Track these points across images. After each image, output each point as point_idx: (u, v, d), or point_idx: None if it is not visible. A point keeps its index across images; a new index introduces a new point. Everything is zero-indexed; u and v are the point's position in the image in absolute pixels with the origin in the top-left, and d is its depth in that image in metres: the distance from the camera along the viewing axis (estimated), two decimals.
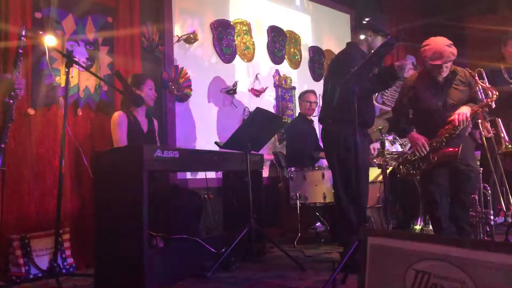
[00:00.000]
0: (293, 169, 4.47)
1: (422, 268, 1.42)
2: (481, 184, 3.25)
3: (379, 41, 3.29)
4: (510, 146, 3.87)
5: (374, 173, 4.40)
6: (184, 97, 4.44)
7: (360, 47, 3.33)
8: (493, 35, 5.58)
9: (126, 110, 3.39)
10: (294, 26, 5.77)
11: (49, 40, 3.20)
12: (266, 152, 4.82)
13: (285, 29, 5.63)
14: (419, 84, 3.35)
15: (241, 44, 5.11)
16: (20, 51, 2.68)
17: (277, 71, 5.47)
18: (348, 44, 3.51)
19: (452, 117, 3.18)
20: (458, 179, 3.23)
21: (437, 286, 1.37)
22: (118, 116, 3.33)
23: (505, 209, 4.09)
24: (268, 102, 5.28)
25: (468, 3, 6.51)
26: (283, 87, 5.49)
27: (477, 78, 3.36)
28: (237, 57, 5.06)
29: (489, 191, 3.27)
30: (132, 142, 3.29)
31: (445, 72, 3.24)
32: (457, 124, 3.14)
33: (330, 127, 3.30)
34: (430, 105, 3.30)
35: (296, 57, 5.76)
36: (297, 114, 5.28)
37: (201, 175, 4.04)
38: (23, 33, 2.64)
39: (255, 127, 3.39)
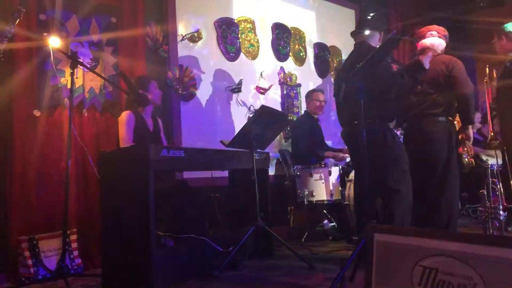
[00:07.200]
0: (299, 166, 4.45)
1: (429, 264, 1.41)
2: (490, 179, 3.22)
3: (378, 37, 3.24)
4: None
5: None
6: (189, 96, 4.44)
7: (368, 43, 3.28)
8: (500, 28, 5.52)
9: (134, 110, 3.40)
10: (298, 23, 5.74)
11: (54, 42, 3.23)
12: (272, 150, 4.81)
13: (289, 26, 5.60)
14: None
15: (246, 42, 5.09)
16: None
17: (282, 68, 5.44)
18: (355, 45, 3.38)
19: None
20: None
21: (444, 282, 1.36)
22: (126, 115, 3.34)
23: None
24: (273, 100, 5.27)
25: None
26: (288, 84, 5.47)
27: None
28: (242, 55, 5.04)
29: (498, 186, 3.24)
30: (140, 141, 3.29)
31: None
32: None
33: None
34: None
35: (301, 54, 5.73)
36: (303, 112, 5.26)
37: (207, 174, 4.04)
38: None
39: (261, 125, 3.37)
